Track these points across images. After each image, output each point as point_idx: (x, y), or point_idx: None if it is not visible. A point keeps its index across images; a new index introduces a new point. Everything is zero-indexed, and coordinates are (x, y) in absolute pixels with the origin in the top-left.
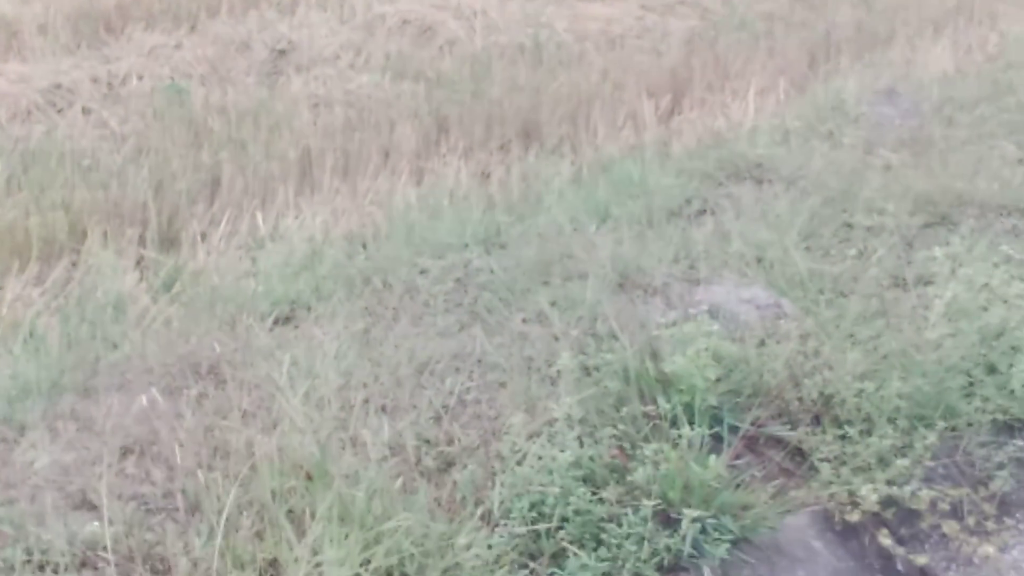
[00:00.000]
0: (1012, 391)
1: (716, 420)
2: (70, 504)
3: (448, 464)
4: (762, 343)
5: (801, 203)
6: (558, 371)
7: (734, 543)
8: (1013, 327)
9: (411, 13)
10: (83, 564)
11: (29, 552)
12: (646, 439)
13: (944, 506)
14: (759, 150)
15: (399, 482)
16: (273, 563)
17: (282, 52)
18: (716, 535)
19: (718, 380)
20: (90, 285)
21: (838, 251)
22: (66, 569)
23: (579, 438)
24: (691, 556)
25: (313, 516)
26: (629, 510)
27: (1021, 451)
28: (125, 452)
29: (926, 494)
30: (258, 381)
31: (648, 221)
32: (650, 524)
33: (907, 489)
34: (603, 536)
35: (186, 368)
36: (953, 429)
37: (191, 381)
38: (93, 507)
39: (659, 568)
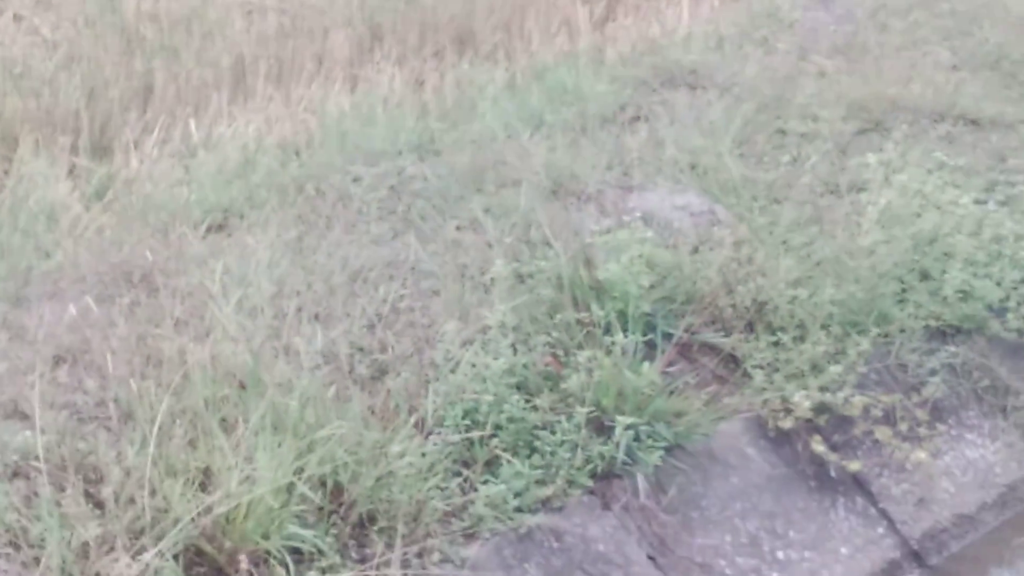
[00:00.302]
0: (945, 297)
1: (650, 327)
2: (2, 414)
3: (381, 372)
4: (696, 250)
5: (735, 110)
6: (492, 279)
7: (667, 450)
8: (946, 233)
9: None
10: (15, 474)
11: None
12: (580, 346)
13: (877, 412)
14: (693, 57)
15: (332, 390)
16: (206, 471)
17: None
18: (649, 442)
19: (651, 287)
20: (22, 194)
21: (772, 158)
22: None
23: (513, 346)
24: (624, 463)
25: (246, 424)
26: (563, 417)
27: (953, 357)
28: (57, 361)
29: (859, 400)
30: (191, 289)
31: (582, 128)
32: (583, 431)
33: (840, 395)
34: (536, 443)
35: (119, 276)
36: (886, 335)
37: (124, 290)
38: (25, 416)
39: (592, 475)
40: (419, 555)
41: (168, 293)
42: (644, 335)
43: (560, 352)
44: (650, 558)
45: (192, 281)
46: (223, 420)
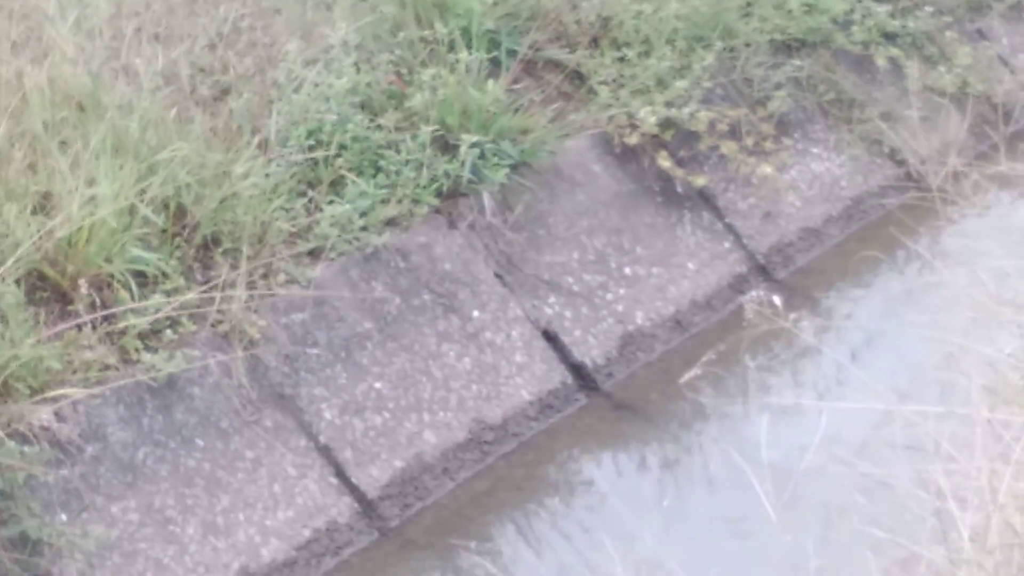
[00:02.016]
0: (789, 10)
1: (494, 44)
2: None
3: (223, 93)
4: None
5: None
6: None
7: (513, 168)
8: None
9: None
10: None
11: None
12: (423, 64)
13: (723, 127)
14: None
15: (174, 112)
16: (46, 195)
17: None
18: (495, 160)
19: (495, 3)
20: None
21: None
22: None
23: (356, 64)
24: (470, 182)
25: (86, 147)
26: (407, 136)
27: (799, 71)
28: None
29: (704, 115)
30: (27, 11)
31: None
32: (429, 150)
33: (685, 111)
34: (382, 163)
35: None
36: (731, 50)
37: None
38: None
39: (438, 194)
40: (264, 276)
41: (3, 15)
42: (488, 52)
43: (404, 70)
44: (497, 276)
45: (28, 2)
46: (63, 143)
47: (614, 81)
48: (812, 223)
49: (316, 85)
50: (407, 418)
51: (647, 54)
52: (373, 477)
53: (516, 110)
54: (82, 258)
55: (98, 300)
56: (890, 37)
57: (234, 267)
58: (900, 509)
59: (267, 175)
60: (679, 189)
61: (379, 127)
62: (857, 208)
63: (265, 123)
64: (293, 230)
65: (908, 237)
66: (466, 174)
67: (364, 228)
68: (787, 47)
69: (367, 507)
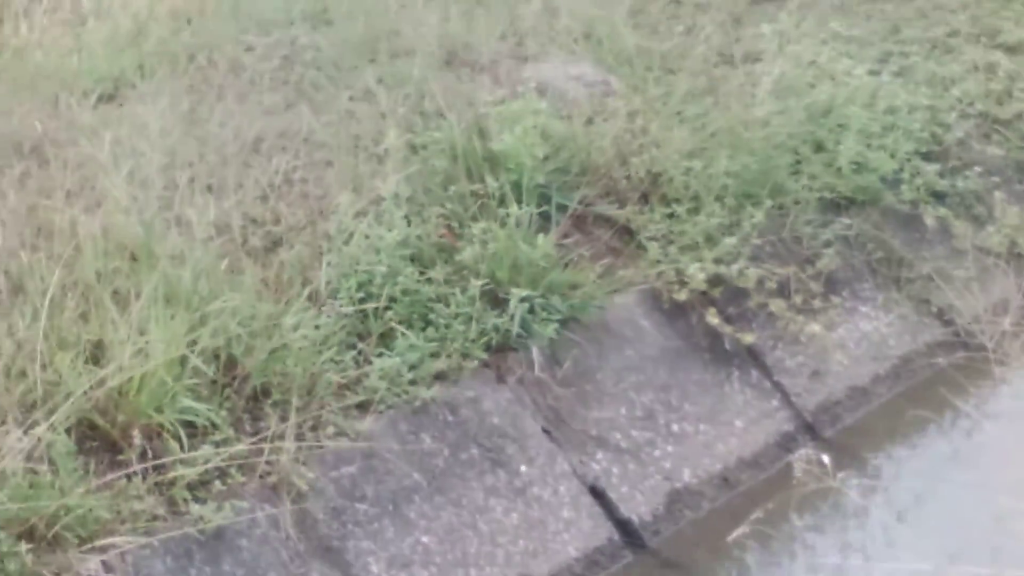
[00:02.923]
0: (839, 168)
1: (544, 199)
2: None
3: (275, 244)
4: (590, 121)
5: None
6: (385, 149)
7: (562, 323)
8: (840, 104)
9: None
10: None
11: None
12: (474, 218)
13: (771, 284)
14: None
15: (225, 262)
16: (98, 344)
17: None
18: (544, 315)
19: (546, 158)
20: None
21: (666, 27)
22: None
23: (406, 217)
24: (519, 336)
25: (138, 297)
26: (457, 290)
27: (847, 229)
28: None
29: (753, 272)
30: (81, 160)
31: None
32: (478, 304)
33: (734, 268)
34: (431, 316)
35: (8, 147)
36: (780, 207)
37: (13, 160)
38: None
39: (487, 348)
40: (313, 428)
41: (59, 164)
42: (538, 207)
43: (454, 224)
44: (545, 431)
45: (83, 152)
46: (115, 293)
47: (663, 237)
48: (860, 382)
49: (367, 237)
50: (454, 573)
51: (696, 210)
52: None
53: (566, 265)
54: (133, 408)
55: (148, 450)
56: (939, 196)
57: (283, 419)
58: None
59: (317, 327)
60: (727, 346)
61: (429, 280)
62: (905, 367)
63: (316, 275)
64: (342, 382)
65: (957, 397)
66: (515, 328)
67: (413, 381)
68: (836, 205)
69: None
